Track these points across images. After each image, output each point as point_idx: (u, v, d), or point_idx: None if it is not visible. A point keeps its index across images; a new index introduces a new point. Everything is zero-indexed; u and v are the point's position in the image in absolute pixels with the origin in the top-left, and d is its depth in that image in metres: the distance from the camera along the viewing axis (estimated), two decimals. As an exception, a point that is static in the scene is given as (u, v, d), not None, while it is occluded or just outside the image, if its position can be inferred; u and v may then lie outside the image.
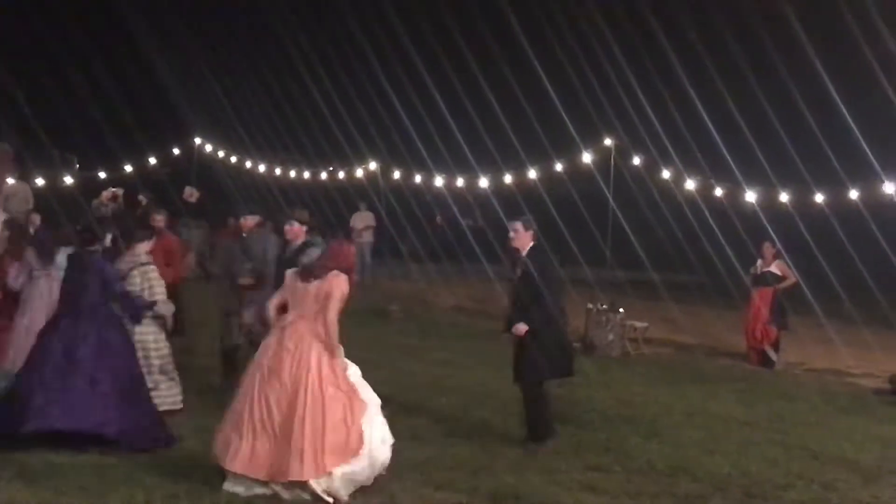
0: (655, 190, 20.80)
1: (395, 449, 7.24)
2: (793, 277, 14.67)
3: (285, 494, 6.78)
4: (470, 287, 21.93)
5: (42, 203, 17.52)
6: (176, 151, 26.11)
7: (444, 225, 30.12)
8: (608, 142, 19.10)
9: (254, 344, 8.21)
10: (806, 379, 13.68)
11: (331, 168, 26.21)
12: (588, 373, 11.86)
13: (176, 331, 11.45)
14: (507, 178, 21.56)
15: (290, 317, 7.12)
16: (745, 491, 7.66)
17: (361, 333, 10.44)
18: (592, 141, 19.76)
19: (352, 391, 6.98)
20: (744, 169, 18.94)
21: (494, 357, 13.33)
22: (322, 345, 6.98)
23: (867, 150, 16.61)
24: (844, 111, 17.55)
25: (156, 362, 8.98)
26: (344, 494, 6.78)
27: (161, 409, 8.60)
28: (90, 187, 22.27)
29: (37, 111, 23.08)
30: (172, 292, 11.32)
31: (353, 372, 7.16)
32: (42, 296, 9.34)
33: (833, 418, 10.82)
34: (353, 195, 24.72)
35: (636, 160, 19.16)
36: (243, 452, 6.76)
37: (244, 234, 10.81)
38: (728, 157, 19.37)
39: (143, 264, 9.19)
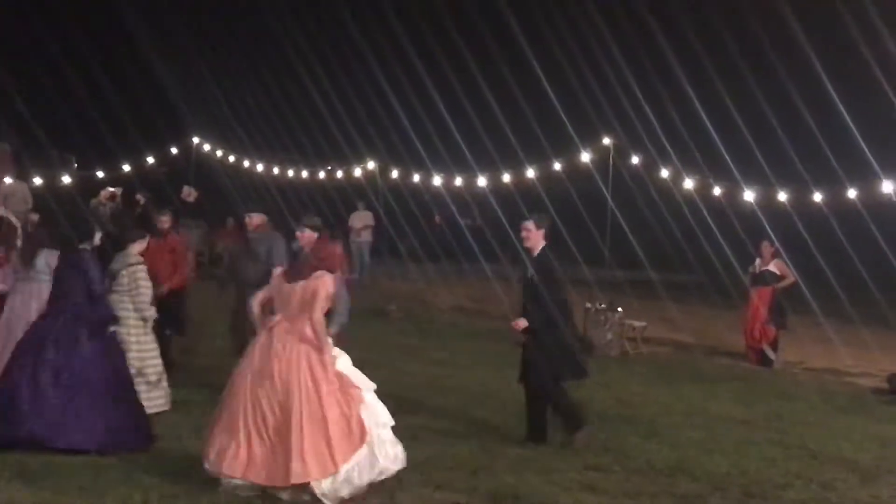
0: (654, 189, 20.77)
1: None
2: (791, 277, 14.67)
3: (284, 495, 6.77)
4: (469, 287, 21.94)
5: (40, 203, 17.53)
6: (174, 151, 26.09)
7: (443, 224, 30.14)
8: (607, 141, 19.06)
9: None
10: (804, 378, 13.69)
11: (329, 167, 26.19)
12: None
13: (180, 333, 11.50)
14: (506, 178, 21.54)
15: (276, 318, 7.10)
16: (743, 490, 7.66)
17: (360, 333, 10.44)
18: (591, 140, 19.73)
19: (344, 384, 6.96)
20: (742, 168, 18.93)
21: (494, 357, 13.36)
22: (310, 344, 6.96)
23: (865, 150, 16.62)
24: (843, 110, 17.57)
25: (135, 364, 8.80)
26: (346, 494, 6.76)
27: None
28: (88, 187, 22.29)
29: (35, 111, 23.10)
30: (179, 294, 11.37)
31: (343, 362, 7.13)
32: (23, 300, 9.27)
33: (832, 418, 10.83)
34: (351, 194, 24.71)
35: (635, 159, 19.13)
36: (241, 457, 6.73)
37: (249, 234, 10.80)
38: (727, 157, 19.37)
39: (131, 265, 9.12)
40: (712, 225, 19.82)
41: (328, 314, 9.20)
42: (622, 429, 9.47)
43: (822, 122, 19.97)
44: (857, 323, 16.84)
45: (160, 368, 9.20)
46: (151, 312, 9.18)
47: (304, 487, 6.72)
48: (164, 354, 11.02)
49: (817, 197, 17.03)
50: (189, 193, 21.43)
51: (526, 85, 25.16)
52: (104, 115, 24.44)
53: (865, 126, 17.70)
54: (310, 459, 6.64)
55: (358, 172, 25.24)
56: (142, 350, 9.03)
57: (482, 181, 22.07)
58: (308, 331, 6.98)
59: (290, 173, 26.03)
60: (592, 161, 19.57)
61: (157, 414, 8.97)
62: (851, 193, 16.42)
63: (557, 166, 20.58)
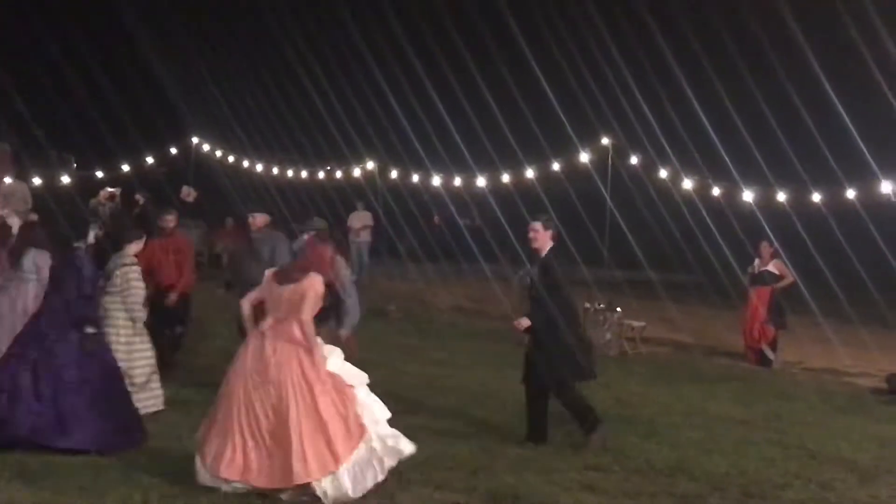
0: (653, 189, 20.83)
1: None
2: (790, 277, 14.68)
3: (284, 496, 6.78)
4: (468, 287, 21.94)
5: (40, 203, 17.53)
6: (173, 151, 26.12)
7: (442, 224, 30.15)
8: (606, 141, 19.13)
9: None
10: (803, 378, 13.70)
11: (328, 167, 26.22)
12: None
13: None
14: (505, 178, 21.57)
15: (268, 321, 7.10)
16: (742, 490, 7.67)
17: (360, 333, 10.42)
18: (590, 140, 19.80)
19: (337, 384, 6.97)
20: (741, 168, 18.98)
21: (493, 357, 13.37)
22: (299, 345, 6.97)
23: (864, 150, 16.66)
24: (842, 111, 17.59)
25: (122, 365, 8.72)
26: (350, 492, 6.76)
27: None
28: (88, 187, 22.30)
29: (35, 111, 23.11)
30: (186, 294, 11.38)
31: (334, 360, 7.14)
32: (10, 300, 9.23)
33: (830, 418, 10.84)
34: (350, 195, 24.72)
35: (633, 160, 19.19)
36: (237, 461, 6.74)
37: (252, 234, 10.81)
38: (725, 157, 19.42)
39: (125, 265, 9.10)
40: (711, 225, 19.86)
41: (332, 314, 9.25)
42: (621, 429, 9.47)
43: (821, 122, 20.00)
44: (855, 323, 16.85)
45: (149, 370, 9.11)
46: (141, 314, 9.12)
47: (305, 488, 6.73)
48: (174, 352, 11.11)
49: (816, 197, 17.07)
50: (188, 193, 21.45)
51: (525, 85, 25.18)
52: (104, 115, 24.43)
53: (864, 126, 17.73)
54: (310, 459, 6.65)
55: (357, 173, 25.28)
56: (130, 352, 8.96)
57: (481, 181, 22.12)
58: (297, 332, 6.99)
59: (290, 173, 26.06)
60: (591, 161, 19.63)
61: (156, 413, 9.00)
62: (850, 194, 16.46)
63: (556, 166, 20.63)
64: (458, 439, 8.81)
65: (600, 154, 19.37)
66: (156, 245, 11.46)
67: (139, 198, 18.66)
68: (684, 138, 21.39)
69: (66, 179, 22.12)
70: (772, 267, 14.63)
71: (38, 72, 26.23)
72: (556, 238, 8.79)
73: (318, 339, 7.11)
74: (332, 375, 6.98)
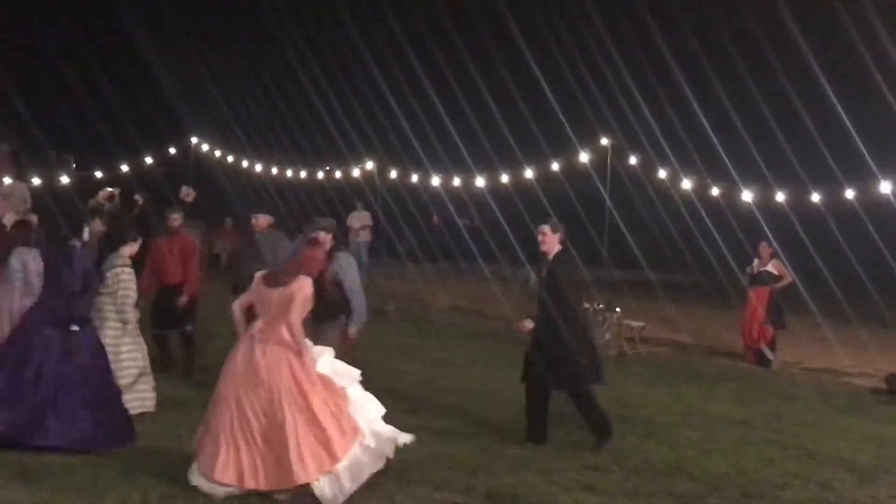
0: (652, 189, 20.83)
1: (394, 449, 7.24)
2: (789, 277, 14.68)
3: (282, 496, 6.79)
4: (467, 287, 21.93)
5: (39, 203, 17.52)
6: (172, 151, 26.10)
7: (441, 224, 30.15)
8: (605, 141, 19.13)
9: None
10: (802, 378, 13.69)
11: (327, 167, 26.21)
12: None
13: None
14: (504, 178, 21.57)
15: (257, 324, 7.10)
16: (742, 490, 7.67)
17: (359, 333, 10.42)
18: (589, 141, 19.79)
19: (327, 384, 6.97)
20: (740, 169, 18.98)
21: (492, 357, 13.37)
22: (288, 348, 6.96)
23: (863, 150, 16.66)
24: (841, 111, 17.60)
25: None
26: (351, 490, 6.77)
27: None
28: (87, 187, 22.28)
29: (34, 111, 23.09)
30: (193, 295, 11.38)
31: (324, 361, 7.14)
32: None
33: (830, 418, 10.84)
34: (349, 195, 24.73)
35: (633, 160, 19.18)
36: (230, 465, 6.74)
37: (255, 235, 10.82)
38: (725, 157, 19.42)
39: (117, 266, 9.08)
40: (710, 225, 19.86)
41: (341, 312, 9.24)
42: (620, 429, 9.45)
43: (820, 122, 20.02)
44: (854, 323, 16.85)
45: (136, 371, 9.05)
46: (131, 315, 9.09)
47: (304, 488, 6.73)
48: (189, 351, 11.14)
49: (815, 197, 17.07)
50: (187, 193, 21.41)
51: (524, 85, 25.21)
52: (103, 115, 24.44)
53: (863, 126, 17.75)
54: (308, 460, 6.66)
55: (356, 173, 25.27)
56: (118, 353, 8.91)
57: (480, 181, 22.10)
58: (286, 334, 6.99)
59: (289, 173, 26.06)
60: (590, 161, 19.63)
61: (155, 413, 9.01)
62: (849, 194, 16.45)
63: (556, 167, 20.62)
64: (458, 439, 8.81)
65: (599, 154, 19.37)
66: (162, 244, 11.48)
67: (138, 198, 18.64)
68: (683, 138, 21.41)
69: (65, 179, 22.11)
70: (771, 267, 14.63)
71: (37, 72, 26.25)
72: (564, 241, 8.78)
73: (308, 342, 7.11)
74: (323, 377, 6.99)
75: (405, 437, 7.17)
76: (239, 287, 10.73)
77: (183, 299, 11.16)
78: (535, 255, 9.16)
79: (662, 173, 19.02)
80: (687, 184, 18.60)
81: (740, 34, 23.90)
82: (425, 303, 19.75)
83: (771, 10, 21.18)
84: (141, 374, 9.10)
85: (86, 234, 8.78)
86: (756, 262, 14.83)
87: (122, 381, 8.84)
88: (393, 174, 24.69)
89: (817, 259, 17.95)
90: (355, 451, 6.82)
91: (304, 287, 7.07)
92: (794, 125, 21.80)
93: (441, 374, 12.23)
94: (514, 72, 25.40)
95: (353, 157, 25.76)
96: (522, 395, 8.94)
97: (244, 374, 6.90)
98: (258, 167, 26.10)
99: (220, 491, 6.75)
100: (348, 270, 9.67)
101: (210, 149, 26.77)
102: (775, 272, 14.62)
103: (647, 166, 19.26)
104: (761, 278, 14.66)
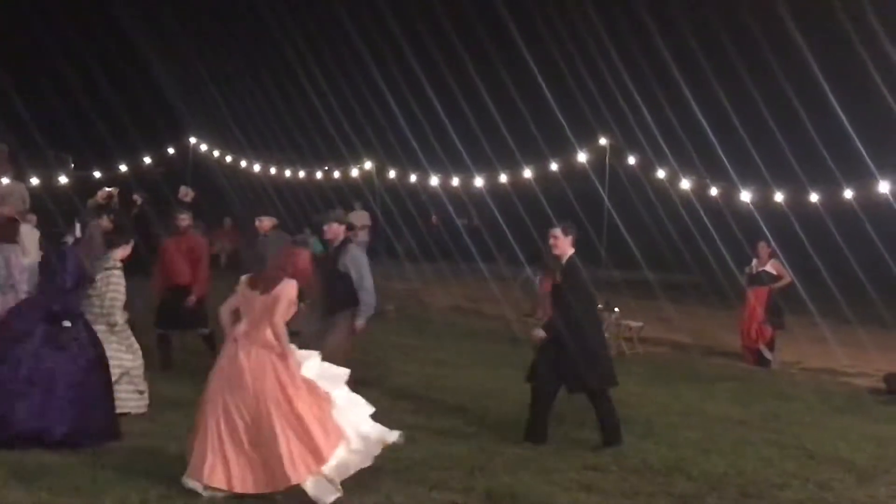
0: (651, 190, 20.80)
1: (391, 448, 7.24)
2: (788, 277, 14.69)
3: (278, 495, 6.79)
4: (466, 287, 21.94)
5: (37, 203, 17.50)
6: (171, 151, 26.06)
7: (440, 224, 30.13)
8: (603, 141, 19.07)
9: None
10: (801, 378, 13.70)
11: (326, 167, 26.19)
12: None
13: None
14: (503, 178, 21.54)
15: (241, 326, 7.10)
16: (740, 490, 7.67)
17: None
18: (587, 140, 19.74)
19: (311, 389, 6.95)
20: (739, 169, 18.95)
21: (491, 357, 13.38)
22: (273, 351, 6.95)
23: (862, 150, 16.65)
24: (839, 111, 17.59)
25: None
26: (337, 488, 6.76)
27: None
28: (85, 187, 22.25)
29: (32, 111, 23.06)
30: (202, 295, 11.38)
31: (311, 365, 7.13)
32: None
33: (828, 417, 10.84)
34: (348, 194, 24.71)
35: (631, 160, 19.14)
36: (218, 468, 6.74)
37: (259, 237, 10.85)
38: (723, 157, 19.40)
39: (108, 268, 9.05)
40: (709, 225, 19.85)
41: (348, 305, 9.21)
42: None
43: (819, 122, 20.01)
44: (853, 323, 16.85)
45: (119, 371, 8.94)
46: (119, 318, 9.05)
47: (295, 489, 6.72)
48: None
49: (814, 197, 17.03)
50: (186, 193, 21.40)
51: (523, 85, 25.19)
52: (101, 115, 24.43)
53: (862, 126, 17.74)
54: (296, 461, 6.66)
55: (355, 173, 25.24)
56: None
57: (479, 181, 22.07)
58: (270, 336, 6.98)
59: (288, 173, 26.04)
60: (589, 161, 19.57)
61: (145, 413, 9.03)
62: (848, 194, 16.42)
63: (554, 167, 20.58)
64: (456, 439, 8.81)
65: (598, 154, 19.31)
66: (170, 244, 11.50)
67: (137, 198, 18.64)
68: (682, 139, 21.38)
69: (63, 179, 22.06)
70: (769, 267, 14.63)
71: (36, 71, 26.22)
72: (577, 244, 8.77)
73: (293, 346, 7.10)
74: (307, 381, 6.99)
75: (393, 436, 7.13)
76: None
77: (191, 299, 11.18)
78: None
79: (661, 173, 18.97)
80: (686, 184, 18.56)
81: (739, 34, 23.90)
82: (424, 303, 19.76)
83: (770, 11, 21.19)
84: (124, 375, 9.01)
85: (77, 232, 8.76)
86: (755, 262, 14.83)
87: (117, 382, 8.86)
88: (392, 174, 24.67)
89: (816, 259, 17.94)
90: (340, 453, 6.81)
91: (288, 290, 7.06)
92: (793, 125, 21.79)
93: (440, 373, 12.23)
94: (513, 72, 25.41)
95: (351, 157, 25.73)
96: (521, 395, 8.95)
97: (229, 376, 6.90)
98: (257, 167, 26.08)
99: (208, 493, 6.75)
100: (359, 263, 9.73)
101: (209, 149, 26.73)
102: (774, 272, 14.62)
103: (646, 166, 19.22)
104: (760, 278, 14.66)
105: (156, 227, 14.26)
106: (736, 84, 23.62)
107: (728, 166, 19.11)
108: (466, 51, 25.44)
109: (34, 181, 20.70)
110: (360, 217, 23.71)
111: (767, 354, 14.46)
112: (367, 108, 26.88)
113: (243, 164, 26.27)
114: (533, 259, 17.75)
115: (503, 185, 21.74)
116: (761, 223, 16.67)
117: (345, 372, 7.25)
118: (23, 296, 9.43)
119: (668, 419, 10.19)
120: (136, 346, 9.26)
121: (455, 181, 23.04)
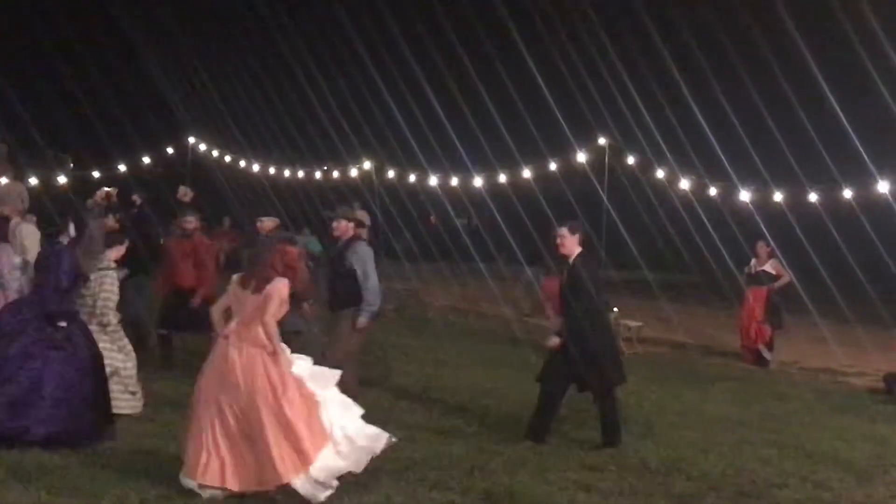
0: (650, 189, 20.83)
1: (390, 448, 7.23)
2: (787, 277, 14.69)
3: (278, 495, 6.79)
4: (464, 286, 21.94)
5: (36, 203, 17.51)
6: (170, 151, 26.05)
7: (439, 224, 30.15)
8: (602, 141, 19.07)
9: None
10: (800, 378, 13.70)
11: (325, 167, 26.19)
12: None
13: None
14: (502, 178, 21.55)
15: (232, 324, 7.09)
16: (739, 490, 7.67)
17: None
18: (587, 140, 19.74)
19: (300, 388, 6.94)
20: (738, 168, 18.97)
21: (490, 357, 13.38)
22: (264, 349, 6.95)
23: (861, 150, 16.66)
24: (838, 111, 17.59)
25: None
26: (325, 487, 6.76)
27: None
28: (84, 187, 22.25)
29: (31, 111, 23.08)
30: (207, 297, 11.35)
31: (302, 365, 7.12)
32: None
33: (827, 417, 10.84)
34: (347, 194, 24.69)
35: (631, 160, 19.15)
36: (212, 467, 6.74)
37: (260, 237, 10.85)
38: (722, 157, 19.41)
39: (101, 269, 9.01)
40: (708, 225, 19.86)
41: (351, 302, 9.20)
42: (618, 428, 9.47)
43: (818, 122, 20.02)
44: (852, 323, 16.86)
45: (108, 371, 8.80)
46: (112, 318, 9.01)
47: (285, 488, 6.72)
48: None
49: (813, 197, 17.05)
50: (185, 193, 21.37)
51: (522, 85, 25.21)
52: (100, 115, 24.45)
53: (861, 126, 17.74)
54: (286, 460, 6.66)
55: (354, 172, 25.24)
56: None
57: (478, 181, 22.08)
58: (261, 335, 6.97)
59: (287, 173, 26.03)
60: (588, 161, 19.57)
61: (140, 414, 8.99)
62: (847, 193, 16.43)
63: (553, 167, 20.58)
64: (455, 438, 8.80)
65: (597, 154, 19.32)
66: (174, 246, 11.48)
67: (136, 198, 18.63)
68: (681, 138, 21.40)
69: (62, 179, 22.07)
70: (768, 267, 14.64)
71: (34, 72, 26.25)
72: (584, 243, 8.71)
73: (284, 345, 7.10)
74: (297, 380, 6.97)
75: (382, 442, 7.08)
76: None
77: (196, 300, 11.15)
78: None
79: (660, 173, 18.99)
80: (685, 184, 18.57)
81: (738, 34, 23.92)
82: (423, 303, 19.76)
83: (769, 11, 21.20)
84: (113, 375, 8.91)
85: (72, 231, 8.76)
86: (754, 261, 14.84)
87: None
88: (391, 174, 24.67)
89: (815, 259, 17.94)
90: (326, 454, 6.79)
91: (279, 287, 7.04)
92: (792, 125, 21.81)
93: (438, 373, 12.23)
94: (512, 72, 25.43)
95: (350, 157, 25.74)
96: (521, 395, 8.95)
97: (221, 374, 6.90)
98: (256, 167, 26.07)
99: (207, 493, 6.76)
100: (365, 261, 9.73)
101: (207, 148, 26.73)
102: (773, 272, 14.63)
103: (645, 166, 19.23)
104: (759, 278, 14.67)
105: (155, 227, 14.23)
106: (735, 84, 23.65)
107: (727, 166, 19.13)
108: (466, 51, 25.46)
109: (33, 181, 20.71)
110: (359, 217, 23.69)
111: (766, 354, 14.47)
112: (365, 108, 26.91)
113: (242, 163, 26.27)
114: (534, 260, 17.78)
115: (502, 185, 21.75)
116: (760, 223, 16.68)
117: (336, 373, 7.22)
118: (13, 294, 9.40)
119: (667, 419, 10.19)
120: (129, 347, 9.21)
121: (454, 181, 23.05)
